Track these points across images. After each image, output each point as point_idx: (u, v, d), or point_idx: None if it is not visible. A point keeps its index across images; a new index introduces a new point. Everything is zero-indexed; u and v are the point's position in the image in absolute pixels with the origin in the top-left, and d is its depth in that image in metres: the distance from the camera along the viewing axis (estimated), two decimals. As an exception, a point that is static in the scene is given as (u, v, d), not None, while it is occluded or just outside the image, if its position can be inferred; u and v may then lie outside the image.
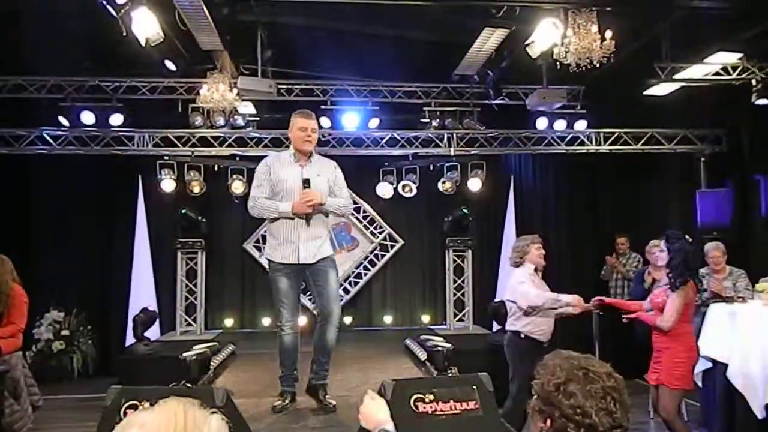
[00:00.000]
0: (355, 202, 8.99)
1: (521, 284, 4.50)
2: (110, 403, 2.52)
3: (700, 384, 5.13)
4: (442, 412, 2.57)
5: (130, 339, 7.69)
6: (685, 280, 4.03)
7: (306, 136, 4.07)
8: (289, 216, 4.00)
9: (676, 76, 6.78)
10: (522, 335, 4.48)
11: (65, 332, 7.83)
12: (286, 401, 4.10)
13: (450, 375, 4.53)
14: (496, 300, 8.01)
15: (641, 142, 8.39)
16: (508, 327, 4.65)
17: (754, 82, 6.79)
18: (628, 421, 1.43)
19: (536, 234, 4.88)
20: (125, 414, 2.39)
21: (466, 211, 8.41)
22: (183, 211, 8.06)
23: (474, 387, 2.66)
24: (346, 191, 4.26)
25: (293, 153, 4.14)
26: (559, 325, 4.68)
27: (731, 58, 6.75)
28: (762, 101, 6.79)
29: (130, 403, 2.43)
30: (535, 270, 4.68)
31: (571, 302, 4.45)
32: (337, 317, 4.10)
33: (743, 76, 6.85)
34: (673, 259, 4.10)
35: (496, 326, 7.65)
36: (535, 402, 1.51)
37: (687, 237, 4.24)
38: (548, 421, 1.45)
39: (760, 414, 4.46)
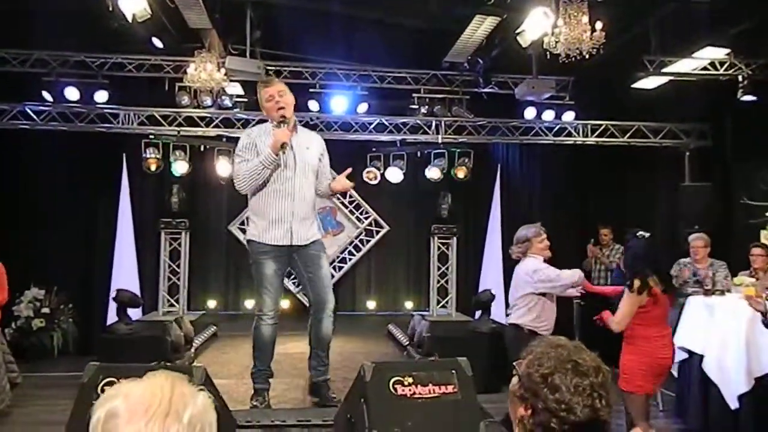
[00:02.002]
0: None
1: (547, 269, 4.18)
2: (87, 380, 2.51)
3: (675, 374, 5.22)
4: (420, 395, 2.59)
5: (111, 318, 7.65)
6: (635, 280, 3.78)
7: (275, 103, 3.68)
8: (273, 159, 3.59)
9: (664, 70, 6.82)
10: (526, 330, 4.13)
11: (45, 310, 7.75)
12: (264, 400, 3.79)
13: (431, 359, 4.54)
14: (481, 289, 8.08)
15: (627, 135, 8.44)
16: (512, 320, 4.29)
17: (740, 78, 6.86)
18: (610, 416, 1.40)
19: (527, 222, 4.77)
20: (102, 391, 2.38)
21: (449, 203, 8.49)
22: (170, 202, 8.07)
23: (453, 371, 2.68)
24: (329, 170, 3.97)
25: (274, 125, 3.71)
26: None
27: (719, 53, 6.81)
28: (747, 98, 6.86)
29: (108, 380, 2.42)
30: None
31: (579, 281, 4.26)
32: (331, 306, 3.80)
33: (730, 72, 6.92)
34: (625, 258, 4.06)
35: (478, 314, 7.71)
36: (517, 387, 1.46)
37: (642, 233, 4.04)
38: (530, 411, 1.41)
39: (733, 405, 4.55)
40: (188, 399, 1.09)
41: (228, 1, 6.37)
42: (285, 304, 7.97)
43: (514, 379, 1.48)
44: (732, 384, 4.58)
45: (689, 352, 5.00)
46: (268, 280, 3.74)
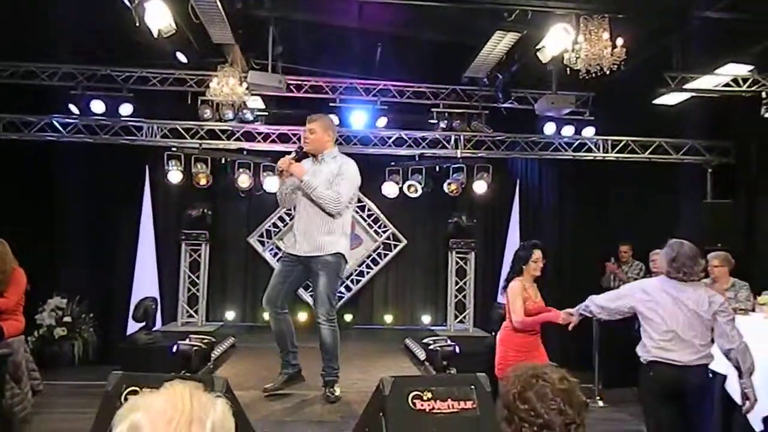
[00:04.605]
0: (360, 200, 9.02)
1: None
2: (111, 389, 2.55)
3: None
4: (439, 411, 2.59)
5: (131, 328, 7.73)
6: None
7: (304, 138, 4.46)
8: (280, 182, 4.51)
9: (686, 86, 6.77)
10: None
11: (67, 319, 7.87)
12: (276, 384, 4.32)
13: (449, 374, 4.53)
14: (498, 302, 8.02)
15: (648, 151, 8.38)
16: (709, 358, 3.68)
17: (764, 94, 6.78)
18: (580, 417, 1.63)
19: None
20: (125, 399, 2.41)
21: (464, 218, 8.49)
22: (190, 213, 8.17)
23: (472, 387, 2.67)
24: (340, 188, 4.25)
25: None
26: (558, 339, 4.63)
27: (742, 70, 6.74)
28: (771, 114, 6.77)
29: (131, 389, 2.46)
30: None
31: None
32: (323, 316, 4.25)
33: (753, 88, 6.84)
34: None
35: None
36: (500, 412, 1.71)
37: (523, 243, 4.64)
38: (512, 426, 1.65)
39: (758, 427, 4.45)
40: (208, 406, 1.11)
41: (251, 17, 6.46)
42: (303, 317, 8.01)
43: (501, 408, 1.74)
44: (756, 405, 4.48)
45: (712, 372, 4.90)
46: (272, 276, 4.47)
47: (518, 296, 4.38)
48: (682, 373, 3.58)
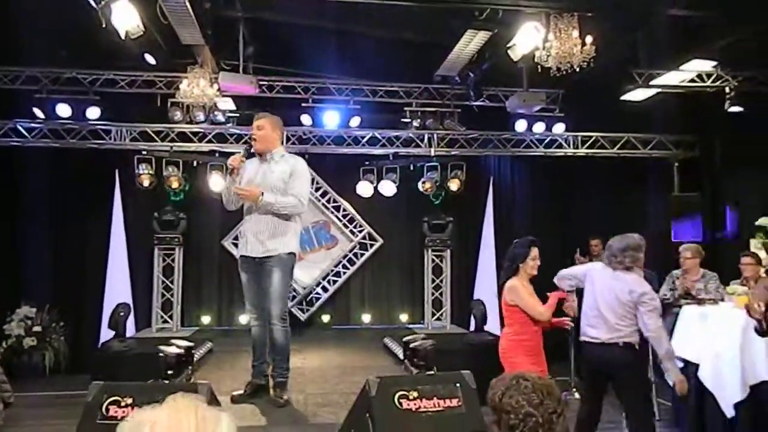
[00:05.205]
0: (335, 201, 9.01)
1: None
2: (92, 399, 2.49)
3: (671, 384, 5.24)
4: (425, 409, 2.60)
5: (103, 336, 7.57)
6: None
7: (252, 136, 4.26)
8: (228, 181, 4.20)
9: (653, 83, 6.93)
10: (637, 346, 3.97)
11: (37, 328, 7.66)
12: (246, 391, 4.23)
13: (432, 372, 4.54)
14: (475, 299, 8.09)
15: (617, 146, 8.55)
16: (625, 339, 3.89)
17: (727, 90, 6.98)
18: (561, 408, 1.78)
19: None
20: (107, 410, 2.37)
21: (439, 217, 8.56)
22: (163, 218, 8.02)
23: (457, 385, 2.69)
24: (300, 189, 4.17)
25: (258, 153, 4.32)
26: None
27: (706, 66, 6.93)
28: (735, 109, 6.97)
29: (112, 399, 2.41)
30: None
31: None
32: (276, 316, 4.12)
33: (717, 83, 7.04)
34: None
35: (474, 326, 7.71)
36: (490, 418, 1.85)
37: (519, 240, 4.32)
38: (500, 424, 1.79)
39: (729, 413, 4.58)
40: (213, 423, 1.10)
41: (221, 17, 6.39)
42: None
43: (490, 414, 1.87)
44: (727, 392, 4.61)
45: (685, 361, 5.02)
46: (244, 287, 4.33)
47: (525, 293, 3.99)
48: (601, 350, 3.95)
